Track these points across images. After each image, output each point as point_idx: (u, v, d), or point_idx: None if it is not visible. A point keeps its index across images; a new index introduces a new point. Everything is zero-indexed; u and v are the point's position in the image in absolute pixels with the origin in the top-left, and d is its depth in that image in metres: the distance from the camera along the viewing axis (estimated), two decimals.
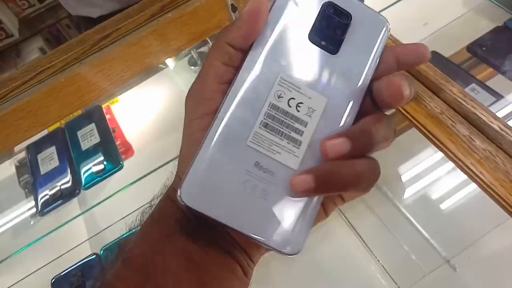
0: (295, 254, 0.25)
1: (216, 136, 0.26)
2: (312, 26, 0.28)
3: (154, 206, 0.29)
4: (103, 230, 0.77)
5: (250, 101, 0.26)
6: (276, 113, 0.26)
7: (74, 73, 0.51)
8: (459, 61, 0.79)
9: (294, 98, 0.27)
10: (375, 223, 0.69)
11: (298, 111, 0.27)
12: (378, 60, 0.28)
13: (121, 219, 0.71)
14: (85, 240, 0.78)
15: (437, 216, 0.68)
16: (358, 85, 0.28)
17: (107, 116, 0.96)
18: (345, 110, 0.27)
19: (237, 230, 0.25)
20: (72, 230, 0.80)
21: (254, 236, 0.25)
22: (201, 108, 0.27)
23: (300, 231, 0.26)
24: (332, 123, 0.27)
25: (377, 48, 0.28)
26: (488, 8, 0.88)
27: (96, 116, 0.92)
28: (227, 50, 0.27)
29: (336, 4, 0.28)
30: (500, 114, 0.66)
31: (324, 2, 0.28)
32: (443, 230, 0.65)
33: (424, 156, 0.72)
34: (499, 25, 0.78)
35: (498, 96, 0.66)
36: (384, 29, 0.28)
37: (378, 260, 0.65)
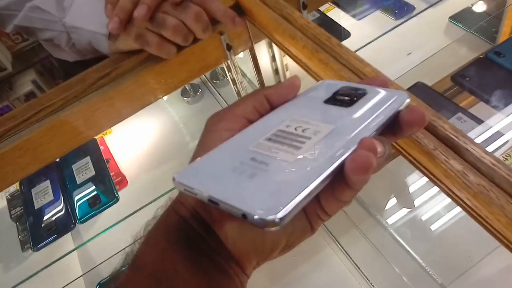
0: (274, 223, 0.21)
1: (224, 148, 0.28)
2: (330, 96, 0.33)
3: (157, 218, 0.30)
4: (98, 265, 0.76)
5: (262, 129, 0.30)
6: (281, 133, 0.29)
7: (73, 111, 0.52)
8: (442, 89, 0.81)
9: (301, 126, 0.29)
10: (369, 250, 0.70)
11: (303, 132, 0.28)
12: (387, 119, 0.29)
13: (116, 253, 0.71)
14: (80, 276, 0.77)
15: (431, 241, 0.69)
16: (366, 125, 0.28)
17: (101, 148, 0.96)
18: (352, 133, 0.28)
19: (212, 198, 0.24)
20: (66, 265, 0.78)
21: (226, 202, 0.23)
22: (220, 124, 0.31)
23: (281, 201, 0.22)
24: (338, 139, 0.27)
25: (389, 109, 0.29)
26: (470, 39, 0.92)
27: (90, 149, 0.92)
28: (261, 99, 0.33)
29: (353, 86, 0.33)
30: (486, 141, 0.68)
31: (344, 85, 0.34)
32: (438, 256, 0.66)
33: (417, 181, 0.73)
34: (481, 56, 0.81)
35: (483, 124, 0.68)
36: (401, 99, 0.30)
37: (373, 286, 0.66)
